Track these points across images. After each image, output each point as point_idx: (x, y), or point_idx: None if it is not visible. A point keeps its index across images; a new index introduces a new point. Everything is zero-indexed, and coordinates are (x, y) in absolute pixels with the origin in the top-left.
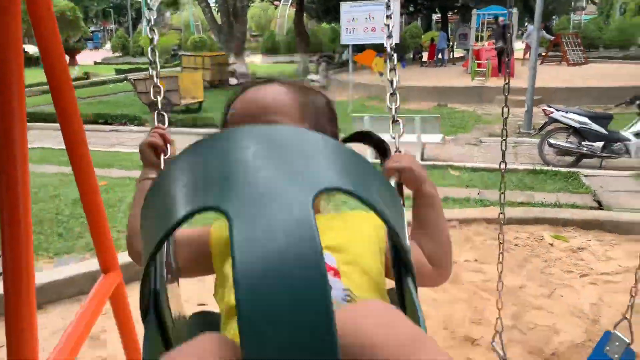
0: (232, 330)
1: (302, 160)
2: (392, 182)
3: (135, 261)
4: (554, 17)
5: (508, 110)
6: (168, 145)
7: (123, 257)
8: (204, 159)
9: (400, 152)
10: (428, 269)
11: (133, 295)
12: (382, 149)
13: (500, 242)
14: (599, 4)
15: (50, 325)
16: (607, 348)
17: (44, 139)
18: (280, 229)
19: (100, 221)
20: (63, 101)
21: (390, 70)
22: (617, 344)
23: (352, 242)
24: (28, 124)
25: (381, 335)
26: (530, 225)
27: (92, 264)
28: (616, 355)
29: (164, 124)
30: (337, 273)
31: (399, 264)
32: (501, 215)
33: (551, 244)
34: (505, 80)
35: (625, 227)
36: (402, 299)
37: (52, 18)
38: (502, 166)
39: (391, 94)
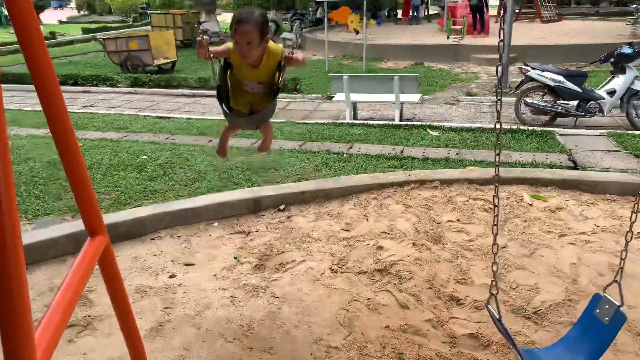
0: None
1: None
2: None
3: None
4: None
5: (503, 69)
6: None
7: (109, 218)
8: None
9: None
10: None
11: (121, 255)
12: (277, 25)
13: (495, 205)
14: None
15: (37, 286)
16: (597, 311)
17: (14, 100)
18: None
19: (83, 183)
20: (37, 61)
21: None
22: (607, 306)
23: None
24: None
25: None
26: (511, 185)
27: (74, 225)
28: (606, 318)
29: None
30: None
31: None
32: (496, 177)
33: (530, 204)
34: (500, 37)
35: (601, 186)
36: None
37: None
38: (498, 126)
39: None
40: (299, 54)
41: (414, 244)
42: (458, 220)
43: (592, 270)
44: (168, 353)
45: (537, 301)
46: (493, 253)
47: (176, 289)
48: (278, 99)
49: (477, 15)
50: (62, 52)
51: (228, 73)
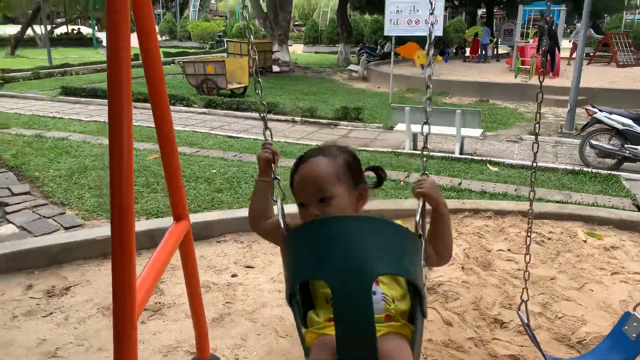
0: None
1: (369, 247)
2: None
3: (256, 232)
4: (605, 15)
5: (541, 99)
6: (276, 158)
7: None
8: (312, 240)
9: (426, 174)
10: (434, 259)
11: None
12: (380, 177)
13: (530, 210)
14: None
15: None
16: (626, 327)
17: (102, 114)
18: (354, 297)
19: (176, 177)
20: (155, 80)
21: (428, 77)
22: (635, 324)
23: None
24: (88, 99)
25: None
26: (565, 221)
27: (149, 224)
28: (634, 335)
29: (271, 138)
30: (377, 283)
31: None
32: (531, 193)
33: (584, 241)
34: (540, 78)
35: None
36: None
37: (149, 6)
38: (535, 149)
39: (427, 98)
40: (426, 183)
41: (462, 267)
42: (509, 250)
43: None
44: (227, 341)
45: (583, 332)
46: (525, 262)
47: (237, 287)
48: (340, 127)
49: (549, 56)
50: (143, 73)
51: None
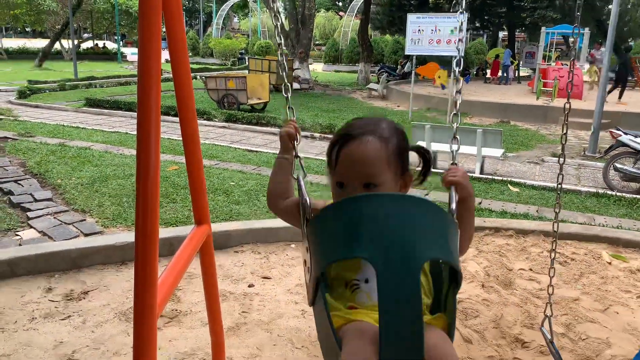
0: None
1: (417, 229)
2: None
3: (273, 211)
4: (630, 39)
5: (568, 110)
6: (298, 135)
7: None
8: (353, 217)
9: (456, 164)
10: None
11: (199, 269)
12: (427, 159)
13: (555, 231)
14: None
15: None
16: None
17: (122, 125)
18: (403, 281)
19: (200, 183)
20: (184, 93)
21: (456, 92)
22: None
23: None
24: (111, 110)
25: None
26: (589, 242)
27: (167, 231)
28: None
29: (293, 116)
30: None
31: (450, 278)
32: (555, 211)
33: (609, 263)
34: (567, 100)
35: None
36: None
37: (181, 19)
38: (559, 178)
39: (454, 114)
40: (458, 172)
41: (483, 285)
42: (530, 269)
43: None
44: (243, 350)
45: (607, 354)
46: (549, 276)
47: (253, 297)
48: None
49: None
50: (166, 87)
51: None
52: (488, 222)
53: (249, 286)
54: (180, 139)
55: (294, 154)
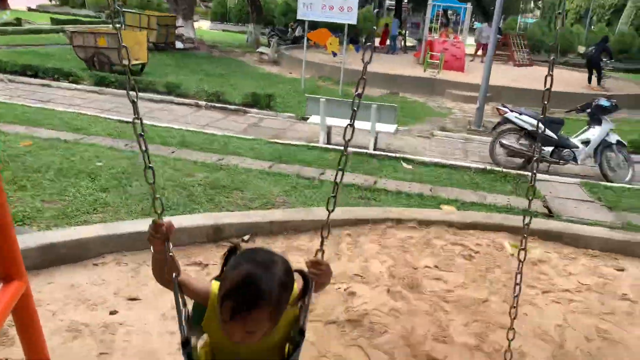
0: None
1: None
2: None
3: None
4: (503, 16)
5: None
6: (170, 235)
7: (47, 237)
8: None
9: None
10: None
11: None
12: (307, 282)
13: (517, 284)
14: (543, 10)
15: None
16: None
17: None
18: None
19: (4, 225)
20: None
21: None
22: None
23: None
24: None
25: None
26: (491, 231)
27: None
28: None
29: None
30: None
31: None
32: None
33: (512, 254)
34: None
35: (584, 240)
36: None
37: None
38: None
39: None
40: (322, 267)
41: (388, 290)
42: (436, 266)
43: (579, 334)
44: None
45: None
46: (511, 317)
47: (116, 328)
48: (251, 114)
49: (594, 70)
50: (25, 41)
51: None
52: (390, 212)
53: (111, 313)
54: (40, 106)
55: (167, 254)
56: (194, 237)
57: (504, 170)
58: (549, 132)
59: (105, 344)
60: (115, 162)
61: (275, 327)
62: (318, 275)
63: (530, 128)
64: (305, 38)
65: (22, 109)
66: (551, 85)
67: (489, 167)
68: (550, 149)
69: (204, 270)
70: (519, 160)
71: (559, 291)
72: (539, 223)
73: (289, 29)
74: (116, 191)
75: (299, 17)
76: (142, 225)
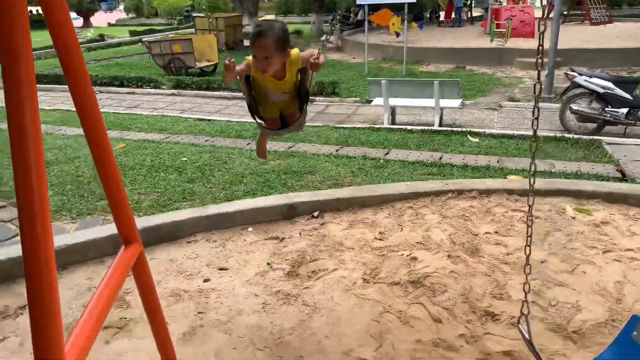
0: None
1: None
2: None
3: (226, 82)
4: None
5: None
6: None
7: (148, 221)
8: None
9: (320, 52)
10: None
11: (157, 257)
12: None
13: (529, 225)
14: None
15: (77, 287)
16: (635, 333)
17: (65, 100)
18: None
19: (118, 192)
20: (72, 63)
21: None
22: None
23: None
24: (49, 85)
25: None
26: (553, 196)
27: (114, 227)
28: None
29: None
30: None
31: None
32: (531, 195)
33: (573, 217)
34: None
35: None
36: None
37: None
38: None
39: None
40: (320, 58)
41: (449, 255)
42: (496, 232)
43: (639, 290)
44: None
45: (578, 320)
46: (525, 273)
47: (210, 293)
48: (317, 102)
49: None
50: (109, 54)
51: (252, 85)
52: (451, 184)
53: (205, 281)
54: (128, 112)
55: (236, 77)
56: (271, 216)
57: (575, 136)
58: (622, 93)
59: (202, 305)
60: (198, 157)
61: (287, 72)
62: (315, 60)
63: (601, 91)
64: (366, 21)
65: (114, 116)
66: None
67: (559, 135)
68: (624, 110)
69: (281, 243)
70: (592, 126)
71: (620, 250)
72: (601, 185)
73: (351, 14)
74: (201, 181)
75: (358, 2)
76: (226, 207)
